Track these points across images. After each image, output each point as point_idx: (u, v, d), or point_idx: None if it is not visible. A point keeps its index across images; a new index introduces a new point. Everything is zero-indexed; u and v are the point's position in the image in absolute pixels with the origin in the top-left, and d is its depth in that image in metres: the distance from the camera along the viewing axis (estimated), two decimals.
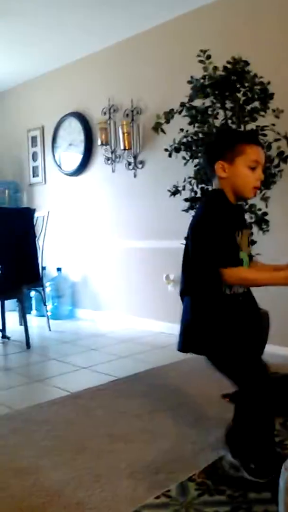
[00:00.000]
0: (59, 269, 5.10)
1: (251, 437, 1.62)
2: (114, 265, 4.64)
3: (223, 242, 1.54)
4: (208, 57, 3.03)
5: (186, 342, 1.69)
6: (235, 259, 1.58)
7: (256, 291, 1.77)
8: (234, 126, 3.04)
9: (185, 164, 3.13)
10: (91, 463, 1.86)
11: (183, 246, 3.15)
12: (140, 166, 4.36)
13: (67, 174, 5.12)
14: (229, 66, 2.99)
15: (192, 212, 3.18)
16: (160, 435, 2.04)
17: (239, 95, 3.01)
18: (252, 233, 1.70)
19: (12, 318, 4.62)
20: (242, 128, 3.00)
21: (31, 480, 1.76)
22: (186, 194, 3.18)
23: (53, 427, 2.24)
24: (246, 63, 2.98)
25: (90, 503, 1.59)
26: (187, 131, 3.13)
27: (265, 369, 1.61)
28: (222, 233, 1.54)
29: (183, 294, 1.71)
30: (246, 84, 2.99)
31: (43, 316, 4.80)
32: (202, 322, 1.64)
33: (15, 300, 4.50)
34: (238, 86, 2.99)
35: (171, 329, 4.10)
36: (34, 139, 5.55)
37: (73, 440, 2.09)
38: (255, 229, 3.09)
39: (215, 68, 3.01)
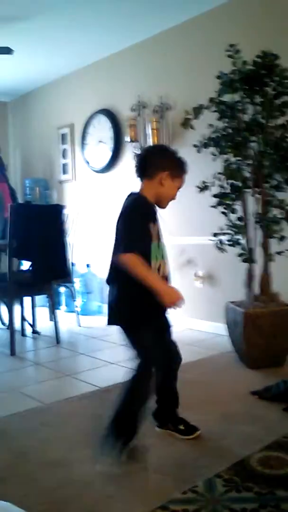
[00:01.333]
0: (88, 266, 5.15)
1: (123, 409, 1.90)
2: None
3: (140, 230, 1.87)
4: (237, 51, 3.01)
5: (110, 317, 1.95)
6: (142, 246, 1.86)
7: None
8: (263, 121, 3.01)
9: (214, 159, 3.12)
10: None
11: (212, 243, 3.16)
12: None
13: (96, 171, 5.15)
14: (258, 60, 2.96)
15: (221, 208, 3.17)
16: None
17: (269, 89, 2.99)
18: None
19: (42, 313, 4.69)
20: (272, 123, 2.98)
21: (61, 473, 1.79)
22: (215, 190, 3.17)
23: (82, 421, 2.27)
24: (276, 57, 2.95)
25: (119, 497, 1.61)
26: (216, 126, 3.11)
27: (155, 356, 1.92)
28: (139, 223, 1.88)
29: (108, 280, 1.97)
30: (276, 78, 2.96)
31: (72, 311, 4.85)
32: (122, 297, 1.92)
33: (45, 295, 4.56)
34: (267, 80, 2.96)
35: (199, 325, 4.10)
36: (64, 136, 5.60)
37: (102, 434, 2.11)
38: (284, 224, 3.06)
39: (244, 62, 2.99)
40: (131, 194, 1.98)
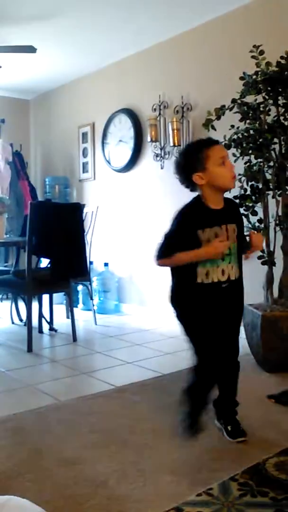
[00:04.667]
0: (106, 264, 5.16)
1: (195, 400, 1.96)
2: None
3: (179, 236, 1.84)
4: (261, 52, 2.98)
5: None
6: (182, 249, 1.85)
7: None
8: (286, 123, 2.98)
9: (235, 161, 3.09)
10: (134, 457, 1.88)
11: None
12: None
13: (116, 170, 5.16)
14: (282, 61, 2.93)
15: (242, 210, 3.15)
16: (204, 433, 2.04)
17: None
18: (238, 228, 1.97)
19: (59, 311, 4.72)
20: None
21: (75, 471, 1.79)
22: (236, 191, 3.14)
23: (98, 420, 2.27)
24: None
25: (132, 497, 1.61)
26: (238, 127, 3.09)
27: (211, 358, 1.93)
28: (181, 231, 1.85)
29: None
30: None
31: (90, 310, 4.87)
32: (174, 300, 1.96)
33: (63, 293, 4.59)
34: None
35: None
36: (84, 135, 5.63)
37: (118, 433, 2.12)
38: None
39: (268, 63, 2.96)
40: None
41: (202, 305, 1.90)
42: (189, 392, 1.95)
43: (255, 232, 1.98)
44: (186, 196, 1.93)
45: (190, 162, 1.87)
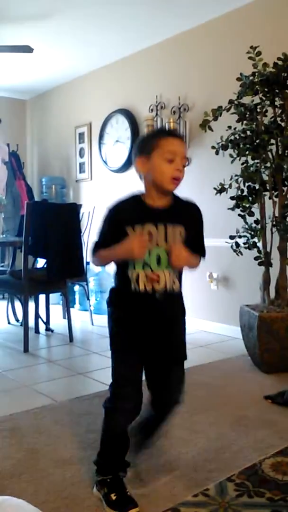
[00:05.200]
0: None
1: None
2: None
3: (104, 233, 1.62)
4: (258, 53, 2.99)
5: None
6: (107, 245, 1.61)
7: None
8: (283, 124, 2.99)
9: (232, 162, 3.10)
10: (130, 457, 1.88)
11: (228, 245, 3.13)
12: (186, 163, 4.33)
13: (113, 171, 5.16)
14: (279, 62, 2.94)
15: (238, 211, 3.16)
16: (200, 434, 2.04)
17: None
18: (188, 232, 1.64)
19: (56, 311, 4.71)
20: None
21: (72, 471, 1.79)
22: (233, 192, 3.15)
23: (94, 420, 2.26)
24: None
25: None
26: (235, 128, 3.10)
27: (125, 383, 1.61)
28: (105, 226, 1.62)
29: None
30: None
31: (86, 310, 4.86)
32: (107, 303, 1.75)
33: (59, 293, 4.58)
34: None
35: (213, 328, 4.08)
36: (81, 135, 5.62)
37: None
38: None
39: (265, 64, 2.97)
40: None
41: (130, 316, 1.62)
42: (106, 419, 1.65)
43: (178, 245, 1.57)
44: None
45: (140, 145, 1.63)
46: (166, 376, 1.66)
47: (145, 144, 1.60)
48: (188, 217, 1.67)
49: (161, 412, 1.70)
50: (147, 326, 1.60)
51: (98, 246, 1.63)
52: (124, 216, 1.60)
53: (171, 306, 1.64)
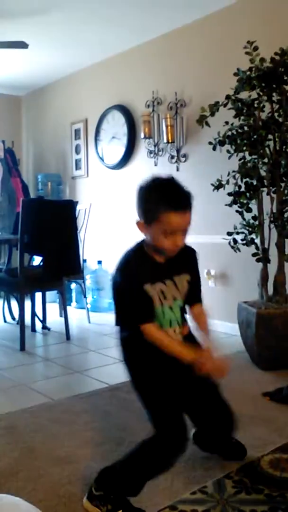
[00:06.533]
0: (99, 262, 5.14)
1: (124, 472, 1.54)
2: None
3: (137, 299, 1.54)
4: (255, 48, 2.97)
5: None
6: (150, 314, 1.56)
7: None
8: (281, 119, 2.97)
9: (229, 157, 3.09)
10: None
11: (226, 242, 3.10)
12: (183, 159, 4.33)
13: (109, 167, 5.13)
14: (276, 57, 2.92)
15: (236, 207, 3.14)
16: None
17: (287, 87, 2.94)
18: (192, 277, 1.68)
19: (52, 309, 4.69)
20: None
21: (69, 469, 1.78)
22: (230, 188, 3.13)
23: (92, 418, 2.26)
24: None
25: None
26: (232, 124, 3.08)
27: (175, 430, 1.51)
28: (133, 289, 1.54)
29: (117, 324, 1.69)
30: None
31: (83, 308, 4.85)
32: (127, 358, 1.65)
33: (56, 291, 4.56)
34: (286, 78, 2.92)
35: (211, 325, 4.07)
36: (77, 132, 5.59)
37: (111, 432, 2.10)
38: None
39: (262, 59, 2.95)
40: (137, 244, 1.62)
41: (167, 369, 1.58)
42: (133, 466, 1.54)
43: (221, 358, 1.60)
44: None
45: (141, 206, 1.57)
46: (214, 404, 1.73)
47: (145, 210, 1.55)
48: (189, 262, 1.69)
49: (226, 433, 1.78)
50: (181, 372, 1.59)
51: (146, 318, 1.55)
52: (142, 276, 1.56)
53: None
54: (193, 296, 1.70)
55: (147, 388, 1.59)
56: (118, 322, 1.65)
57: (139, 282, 1.54)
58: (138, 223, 1.57)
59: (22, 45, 4.08)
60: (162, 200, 1.49)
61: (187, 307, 1.72)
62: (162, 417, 1.53)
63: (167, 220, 1.48)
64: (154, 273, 1.57)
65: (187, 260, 1.68)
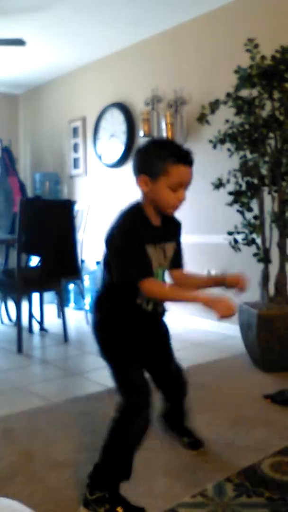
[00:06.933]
0: (98, 263, 5.11)
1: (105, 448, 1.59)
2: None
3: (137, 254, 1.54)
4: (256, 46, 2.95)
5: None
6: (150, 271, 1.57)
7: None
8: (282, 118, 2.94)
9: (230, 156, 3.06)
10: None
11: (226, 242, 3.08)
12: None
13: (108, 166, 5.10)
14: (277, 55, 2.90)
15: (236, 206, 3.11)
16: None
17: None
18: (177, 245, 1.74)
19: (50, 310, 4.66)
20: None
21: (67, 473, 1.76)
22: (231, 187, 3.10)
23: (90, 421, 2.23)
24: None
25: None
26: (232, 122, 3.06)
27: (139, 385, 1.60)
28: (135, 245, 1.55)
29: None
30: None
31: (81, 309, 4.82)
32: (100, 317, 1.66)
33: (53, 292, 4.53)
34: (286, 75, 2.90)
35: (211, 326, 4.04)
36: (75, 130, 5.56)
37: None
38: None
39: (263, 57, 2.93)
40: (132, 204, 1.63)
41: (136, 331, 1.64)
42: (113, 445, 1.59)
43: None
44: None
45: (147, 161, 1.58)
46: (169, 368, 1.84)
47: (152, 165, 1.55)
48: (175, 232, 1.75)
49: (178, 396, 1.89)
50: (150, 337, 1.74)
51: (146, 273, 1.54)
52: (143, 236, 1.57)
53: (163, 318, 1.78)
54: (177, 262, 1.76)
55: (115, 351, 1.65)
56: (107, 279, 1.63)
57: (141, 241, 1.55)
58: (140, 179, 1.59)
59: (20, 42, 4.06)
60: (172, 154, 1.53)
61: (167, 273, 1.75)
62: (127, 375, 1.62)
63: (176, 172, 1.52)
64: (153, 235, 1.60)
65: (175, 229, 1.74)
